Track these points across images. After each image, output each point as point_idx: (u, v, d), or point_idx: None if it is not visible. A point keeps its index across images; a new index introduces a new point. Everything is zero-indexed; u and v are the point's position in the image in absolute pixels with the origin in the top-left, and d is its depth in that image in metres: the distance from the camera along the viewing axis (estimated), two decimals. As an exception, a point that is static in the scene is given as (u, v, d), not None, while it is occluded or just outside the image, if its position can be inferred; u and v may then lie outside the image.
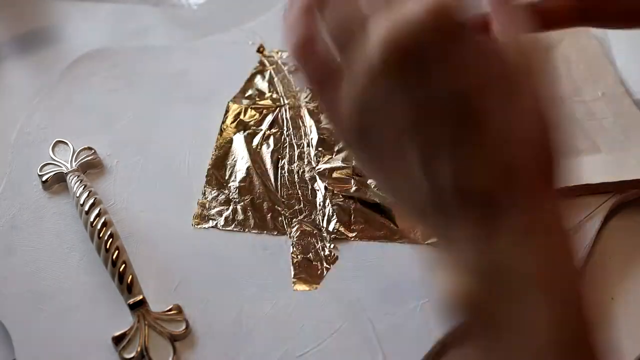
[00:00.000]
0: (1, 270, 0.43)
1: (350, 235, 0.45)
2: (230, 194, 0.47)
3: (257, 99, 0.54)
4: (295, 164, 0.49)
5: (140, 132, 0.52)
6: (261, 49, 0.58)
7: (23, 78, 0.61)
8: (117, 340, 0.39)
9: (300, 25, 0.30)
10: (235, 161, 0.49)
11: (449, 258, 0.27)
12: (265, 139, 0.51)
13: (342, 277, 0.42)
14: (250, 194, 0.47)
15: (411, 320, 0.40)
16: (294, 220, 0.46)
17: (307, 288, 0.42)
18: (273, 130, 0.51)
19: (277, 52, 0.58)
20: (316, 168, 0.49)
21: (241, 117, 0.52)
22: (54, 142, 0.50)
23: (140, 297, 0.40)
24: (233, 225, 0.45)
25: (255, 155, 0.49)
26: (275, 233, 0.45)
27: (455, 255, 0.27)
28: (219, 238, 0.45)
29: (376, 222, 0.45)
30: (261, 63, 0.57)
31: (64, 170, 0.48)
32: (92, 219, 0.43)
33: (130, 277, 0.41)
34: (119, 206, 0.47)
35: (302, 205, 0.46)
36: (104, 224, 0.43)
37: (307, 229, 0.45)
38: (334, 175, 0.48)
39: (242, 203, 0.46)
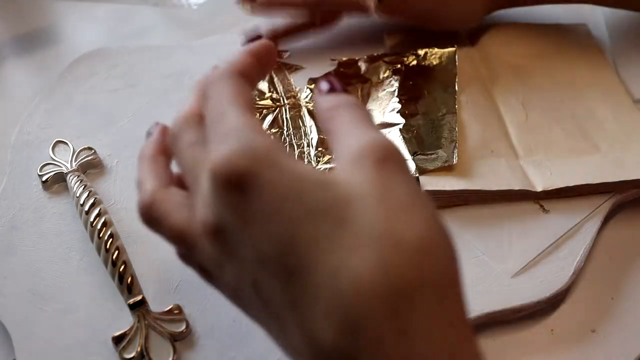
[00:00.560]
0: (1, 270, 0.43)
1: (350, 235, 0.45)
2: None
3: (257, 99, 0.54)
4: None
5: (140, 132, 0.51)
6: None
7: (23, 78, 0.61)
8: (117, 340, 0.39)
9: (150, 177, 0.31)
10: (235, 161, 0.49)
11: None
12: (265, 139, 0.51)
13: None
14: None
15: (411, 320, 0.40)
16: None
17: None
18: (273, 130, 0.51)
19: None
20: (316, 168, 0.49)
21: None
22: (54, 142, 0.50)
23: (140, 297, 0.40)
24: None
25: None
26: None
27: None
28: (219, 238, 0.45)
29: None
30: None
31: (64, 170, 0.48)
32: (92, 219, 0.43)
33: (130, 277, 0.41)
34: (119, 206, 0.47)
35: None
36: (104, 224, 0.43)
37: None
38: (334, 175, 0.48)
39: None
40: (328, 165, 0.48)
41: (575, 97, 0.52)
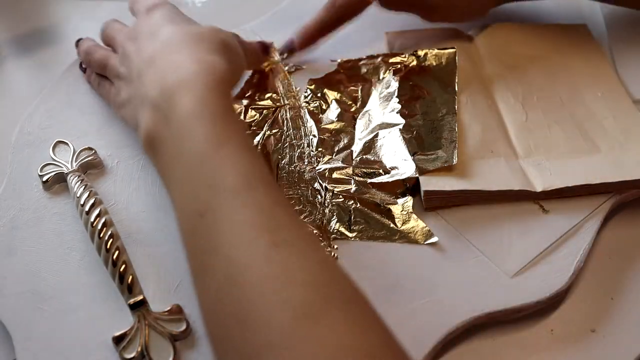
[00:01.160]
0: (1, 270, 0.43)
1: (350, 235, 0.45)
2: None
3: (257, 99, 0.54)
4: (296, 164, 0.49)
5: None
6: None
7: (23, 78, 0.61)
8: (118, 340, 0.39)
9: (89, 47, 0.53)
10: (236, 161, 0.49)
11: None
12: (265, 139, 0.51)
13: (342, 277, 0.42)
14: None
15: (411, 320, 0.40)
16: (294, 220, 0.46)
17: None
18: (273, 131, 0.51)
19: (274, 49, 0.58)
20: (316, 168, 0.49)
21: (241, 117, 0.52)
22: (55, 142, 0.50)
23: (141, 297, 0.40)
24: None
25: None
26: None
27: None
28: (219, 238, 0.45)
29: (376, 222, 0.45)
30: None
31: (65, 170, 0.48)
32: (92, 219, 0.43)
33: (131, 277, 0.41)
34: (120, 206, 0.47)
35: (302, 205, 0.46)
36: (105, 224, 0.43)
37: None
38: (334, 175, 0.48)
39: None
40: (328, 165, 0.49)
41: (575, 97, 0.52)
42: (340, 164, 0.49)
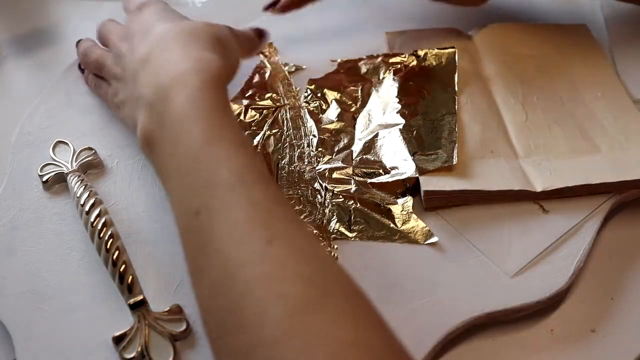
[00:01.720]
0: (1, 270, 0.43)
1: (350, 235, 0.45)
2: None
3: (257, 99, 0.54)
4: (296, 164, 0.49)
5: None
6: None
7: (23, 78, 0.61)
8: (118, 340, 0.39)
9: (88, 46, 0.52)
10: (236, 161, 0.49)
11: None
12: (265, 139, 0.51)
13: (342, 277, 0.42)
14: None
15: (411, 320, 0.40)
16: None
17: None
18: (273, 131, 0.51)
19: (274, 49, 0.58)
20: (316, 168, 0.49)
21: (241, 117, 0.52)
22: (55, 142, 0.50)
23: (141, 297, 0.40)
24: (233, 226, 0.45)
25: (255, 155, 0.49)
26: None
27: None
28: (219, 238, 0.45)
29: (376, 222, 0.45)
30: (261, 63, 0.57)
31: (65, 170, 0.48)
32: (92, 219, 0.43)
33: (131, 277, 0.41)
34: (120, 206, 0.47)
35: (302, 205, 0.46)
36: (105, 224, 0.43)
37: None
38: (334, 175, 0.48)
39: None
40: (328, 165, 0.49)
41: (575, 97, 0.52)
42: (340, 164, 0.49)
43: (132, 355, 0.38)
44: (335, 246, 0.44)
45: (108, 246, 0.42)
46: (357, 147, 0.50)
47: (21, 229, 0.45)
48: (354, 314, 0.31)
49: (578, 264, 0.42)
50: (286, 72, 0.56)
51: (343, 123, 0.52)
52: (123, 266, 0.41)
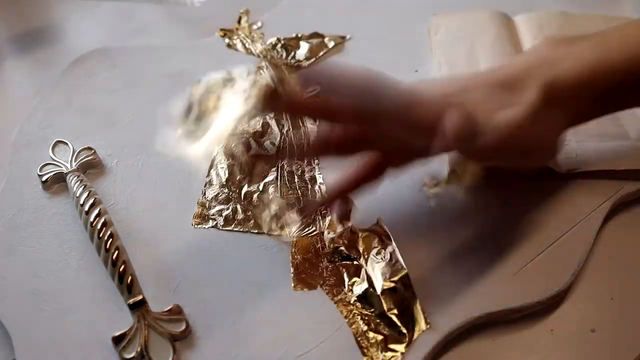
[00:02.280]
0: (1, 270, 0.43)
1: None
2: (230, 193, 0.47)
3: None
4: (295, 164, 0.49)
5: (139, 132, 0.52)
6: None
7: (23, 78, 0.61)
8: (117, 340, 0.39)
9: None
10: (235, 161, 0.49)
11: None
12: (265, 139, 0.51)
13: (342, 277, 0.42)
14: (251, 193, 0.47)
15: (411, 320, 0.40)
16: (294, 220, 0.46)
17: (307, 288, 0.42)
18: (273, 131, 0.51)
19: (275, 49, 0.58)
20: (316, 168, 0.49)
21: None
22: (54, 142, 0.50)
23: (140, 297, 0.40)
24: (233, 225, 0.45)
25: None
26: (276, 233, 0.45)
27: None
28: (219, 238, 0.45)
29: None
30: (261, 63, 0.57)
31: (64, 170, 0.48)
32: (92, 219, 0.43)
33: (130, 277, 0.41)
34: (119, 206, 0.47)
35: (302, 205, 0.46)
36: (104, 224, 0.43)
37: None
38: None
39: (242, 202, 0.46)
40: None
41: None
42: (340, 164, 0.49)
43: (131, 355, 0.38)
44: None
45: (107, 246, 0.42)
46: (357, 147, 0.50)
47: (21, 229, 0.45)
48: None
49: (578, 264, 0.42)
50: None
51: (343, 123, 0.52)
52: (122, 266, 0.41)
